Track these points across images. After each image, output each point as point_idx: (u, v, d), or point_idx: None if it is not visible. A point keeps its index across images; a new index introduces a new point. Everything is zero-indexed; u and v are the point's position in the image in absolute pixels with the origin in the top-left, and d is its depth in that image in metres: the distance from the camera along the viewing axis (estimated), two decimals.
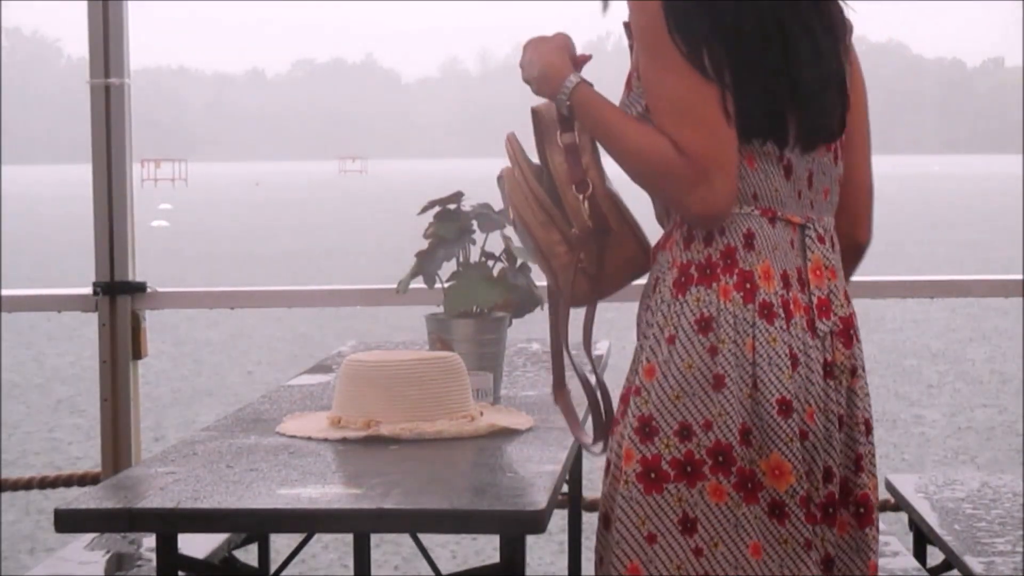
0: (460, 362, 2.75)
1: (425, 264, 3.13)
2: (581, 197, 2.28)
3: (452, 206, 3.14)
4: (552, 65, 2.29)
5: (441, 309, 3.13)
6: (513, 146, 2.37)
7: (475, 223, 3.11)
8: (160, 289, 4.59)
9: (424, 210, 3.18)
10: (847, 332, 2.25)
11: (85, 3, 4.46)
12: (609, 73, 2.59)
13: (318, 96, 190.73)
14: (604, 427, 2.35)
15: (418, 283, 3.19)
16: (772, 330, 2.16)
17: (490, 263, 3.10)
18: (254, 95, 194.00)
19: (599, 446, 2.36)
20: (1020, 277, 4.64)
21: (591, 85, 2.28)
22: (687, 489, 2.14)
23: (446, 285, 3.11)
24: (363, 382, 2.67)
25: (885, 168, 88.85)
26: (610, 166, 2.32)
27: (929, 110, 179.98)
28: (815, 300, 2.22)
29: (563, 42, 2.32)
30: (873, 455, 2.28)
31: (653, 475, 2.16)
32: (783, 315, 2.17)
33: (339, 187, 62.22)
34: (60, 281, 17.66)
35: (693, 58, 2.17)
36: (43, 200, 47.37)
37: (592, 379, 2.41)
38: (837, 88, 2.30)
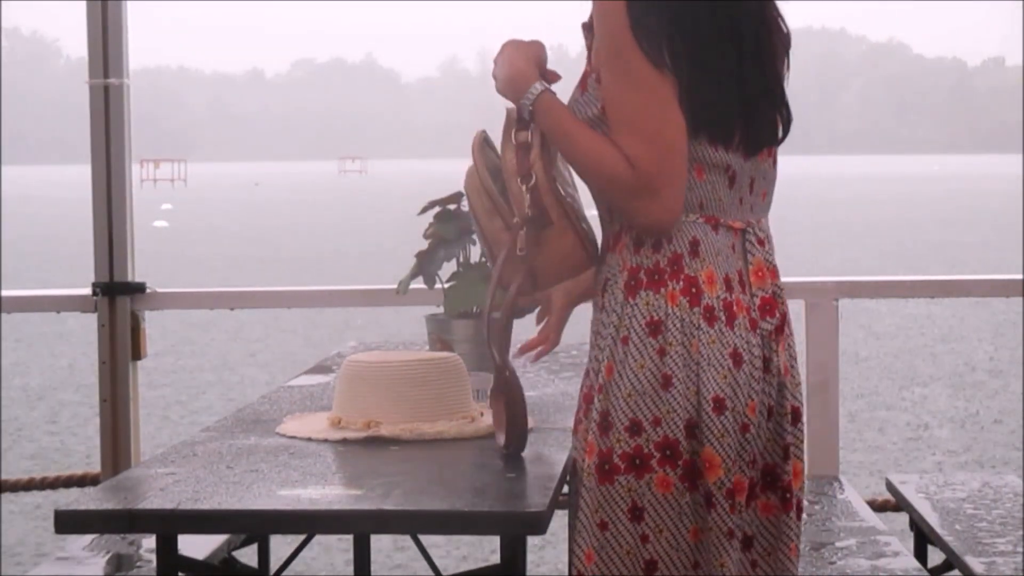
0: (460, 363, 2.75)
1: (425, 264, 3.13)
2: (524, 188, 2.41)
3: (452, 206, 3.13)
4: (520, 71, 2.40)
5: (441, 310, 3.13)
6: (474, 143, 2.52)
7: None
8: (159, 290, 4.58)
9: (424, 210, 3.17)
10: (783, 328, 2.38)
11: (84, 3, 4.45)
12: None
13: (318, 96, 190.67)
14: (518, 429, 2.50)
15: (418, 283, 3.19)
16: (713, 332, 2.29)
17: (489, 264, 3.10)
18: (254, 95, 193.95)
19: (511, 448, 2.51)
20: (1020, 277, 4.63)
21: (554, 94, 2.39)
22: (636, 480, 2.29)
23: (446, 285, 3.10)
24: (363, 383, 2.66)
25: (886, 168, 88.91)
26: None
27: (929, 110, 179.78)
28: (757, 300, 2.35)
29: (536, 51, 2.43)
30: (800, 442, 2.39)
31: (606, 467, 2.30)
32: (724, 318, 2.30)
33: (339, 187, 62.23)
34: (60, 282, 17.66)
35: (653, 53, 2.27)
36: (42, 201, 47.36)
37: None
38: (780, 95, 2.42)
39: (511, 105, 2.44)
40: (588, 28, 2.39)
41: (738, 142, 2.35)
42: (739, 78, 2.34)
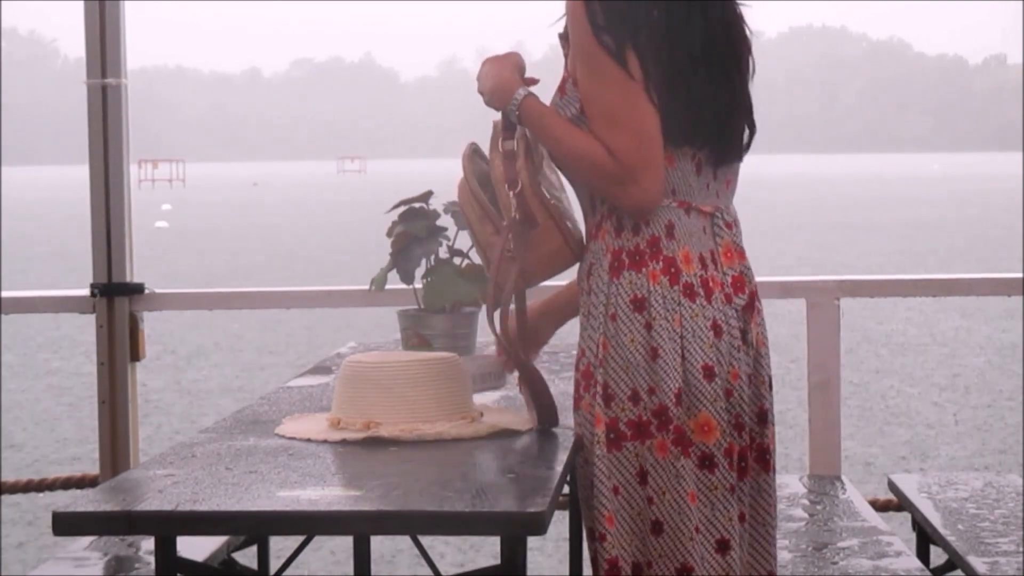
0: (460, 363, 2.74)
1: (401, 261, 3.14)
2: (511, 193, 2.58)
3: (418, 205, 3.16)
4: (504, 79, 2.58)
5: (413, 306, 3.15)
6: (464, 154, 2.70)
7: (452, 219, 3.13)
8: (158, 290, 4.57)
9: (393, 208, 3.19)
10: (753, 304, 2.57)
11: (82, 3, 4.44)
12: None
13: (316, 96, 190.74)
14: (544, 402, 2.64)
15: (394, 283, 3.22)
16: (694, 307, 2.49)
17: (456, 260, 3.12)
18: (252, 95, 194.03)
19: (545, 422, 2.66)
20: (1021, 276, 4.62)
21: (537, 97, 2.57)
22: (640, 446, 2.48)
23: (422, 282, 3.12)
24: (362, 383, 2.65)
25: (886, 166, 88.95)
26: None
27: (930, 108, 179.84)
28: (729, 278, 2.54)
29: (516, 60, 2.62)
30: (773, 407, 2.61)
31: (613, 435, 2.49)
32: (703, 293, 2.50)
33: (338, 187, 62.24)
34: (58, 283, 17.66)
35: (617, 55, 2.45)
36: (40, 202, 47.36)
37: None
38: (747, 106, 2.60)
39: (499, 116, 2.61)
40: (564, 38, 2.59)
41: (706, 159, 2.54)
42: (708, 95, 2.51)
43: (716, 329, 2.49)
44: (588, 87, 2.49)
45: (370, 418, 2.62)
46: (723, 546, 2.48)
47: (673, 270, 2.49)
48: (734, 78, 2.57)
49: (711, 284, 2.50)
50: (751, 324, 2.55)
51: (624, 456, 2.48)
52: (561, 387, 3.05)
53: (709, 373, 2.47)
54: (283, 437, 2.64)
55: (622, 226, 2.53)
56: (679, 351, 2.46)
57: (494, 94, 2.59)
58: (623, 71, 2.45)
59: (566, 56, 2.59)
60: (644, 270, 2.50)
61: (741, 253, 2.58)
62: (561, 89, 2.58)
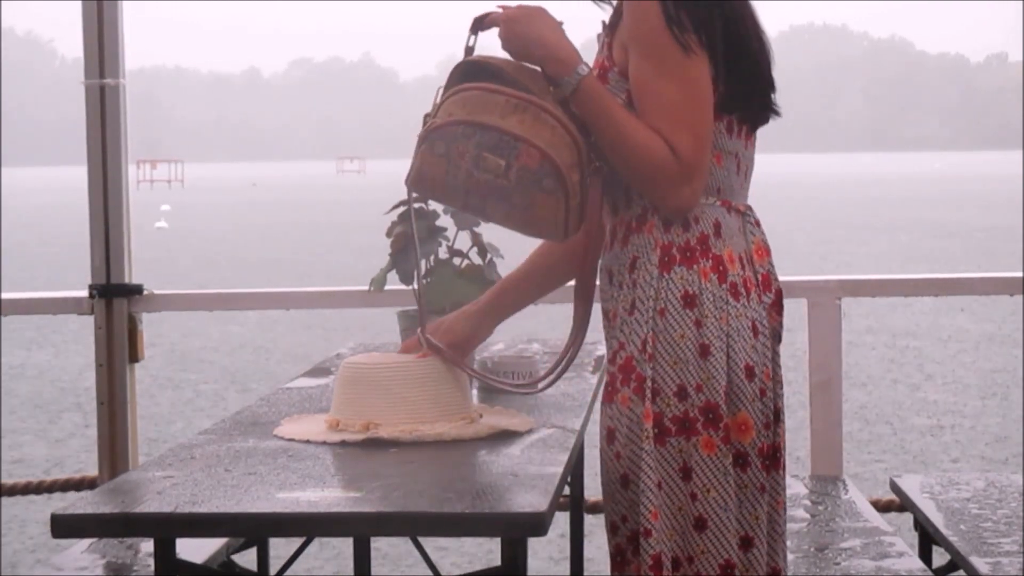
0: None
1: (400, 262, 3.13)
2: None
3: (417, 205, 3.14)
4: (564, 48, 2.47)
5: (413, 307, 3.14)
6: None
7: (452, 220, 3.12)
8: (157, 291, 4.56)
9: (393, 208, 3.17)
10: (779, 303, 2.58)
11: (80, 3, 4.43)
12: None
13: (315, 96, 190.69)
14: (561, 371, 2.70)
15: (393, 284, 3.21)
16: (739, 306, 2.49)
17: (456, 260, 3.11)
18: (251, 95, 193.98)
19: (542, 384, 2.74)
20: (1022, 275, 4.61)
21: (595, 76, 2.49)
22: (685, 442, 2.46)
23: (422, 282, 3.11)
24: (362, 384, 2.64)
25: (888, 166, 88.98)
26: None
27: (932, 107, 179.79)
28: (760, 277, 2.55)
29: (555, 22, 2.49)
30: (783, 406, 2.60)
31: (657, 430, 2.46)
32: (744, 293, 2.51)
33: (337, 187, 62.24)
34: (57, 284, 17.65)
35: (684, 42, 2.42)
36: (38, 203, 47.35)
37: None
38: (772, 79, 2.61)
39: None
40: (609, 27, 2.56)
41: (751, 118, 2.55)
42: (762, 61, 2.55)
43: (755, 329, 2.51)
44: (652, 81, 2.44)
45: (369, 419, 2.61)
46: (747, 543, 2.49)
47: (721, 268, 2.50)
48: (770, 54, 2.59)
49: (748, 284, 2.52)
50: (775, 322, 2.57)
51: (668, 451, 2.46)
52: (561, 387, 3.04)
53: (750, 373, 2.49)
54: (282, 439, 2.63)
55: (670, 222, 2.51)
56: (725, 349, 2.47)
57: (548, 61, 2.46)
58: (688, 60, 2.43)
59: (609, 47, 2.55)
60: (695, 267, 2.49)
61: (768, 251, 2.60)
62: (602, 79, 2.52)
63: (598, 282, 2.65)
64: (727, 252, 2.51)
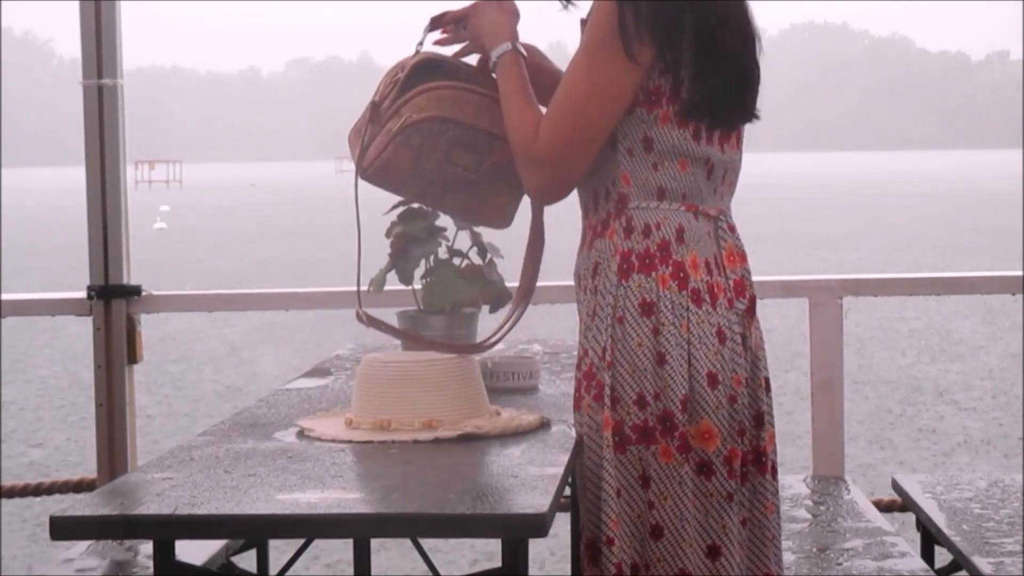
0: (474, 362, 2.73)
1: (400, 262, 3.12)
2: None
3: (416, 205, 3.13)
4: (502, 26, 2.64)
5: (412, 308, 3.14)
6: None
7: (452, 220, 3.11)
8: (155, 292, 4.54)
9: (392, 209, 3.16)
10: (752, 308, 2.57)
11: (77, 3, 4.42)
12: None
13: (314, 96, 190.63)
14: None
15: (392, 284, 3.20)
16: (701, 313, 2.49)
17: (455, 260, 3.11)
18: (249, 95, 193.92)
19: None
20: (1022, 274, 4.60)
21: (522, 57, 2.62)
22: (644, 450, 2.49)
23: (421, 283, 3.10)
24: (415, 382, 2.63)
25: (888, 165, 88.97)
26: None
27: (933, 105, 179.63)
28: (731, 282, 2.54)
29: (515, 9, 2.67)
30: (771, 410, 2.60)
31: (618, 438, 2.49)
32: (708, 299, 2.50)
33: (337, 187, 62.23)
34: (55, 285, 17.64)
35: (639, 50, 2.43)
36: (36, 203, 47.33)
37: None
38: (757, 76, 2.60)
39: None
40: (583, 24, 2.58)
41: (720, 123, 2.54)
42: (734, 64, 2.53)
43: (720, 336, 2.50)
44: (572, 71, 2.51)
45: (430, 416, 2.60)
46: (714, 552, 2.50)
47: (682, 275, 2.50)
48: (751, 52, 2.57)
49: (715, 290, 2.51)
50: (751, 329, 2.56)
51: (628, 459, 2.49)
52: (561, 388, 3.04)
53: (713, 380, 2.48)
54: (309, 437, 2.61)
55: (632, 227, 2.52)
56: (686, 357, 2.47)
57: (487, 37, 2.64)
58: (613, 74, 2.46)
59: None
60: (654, 274, 2.50)
61: (743, 256, 2.59)
62: None
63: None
64: (690, 257, 2.51)
